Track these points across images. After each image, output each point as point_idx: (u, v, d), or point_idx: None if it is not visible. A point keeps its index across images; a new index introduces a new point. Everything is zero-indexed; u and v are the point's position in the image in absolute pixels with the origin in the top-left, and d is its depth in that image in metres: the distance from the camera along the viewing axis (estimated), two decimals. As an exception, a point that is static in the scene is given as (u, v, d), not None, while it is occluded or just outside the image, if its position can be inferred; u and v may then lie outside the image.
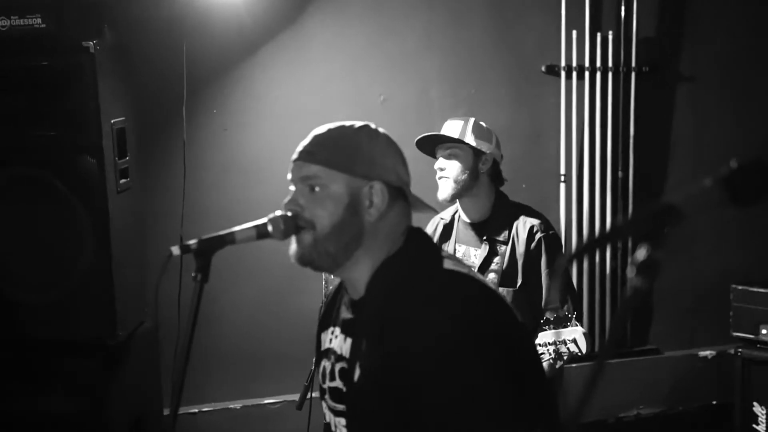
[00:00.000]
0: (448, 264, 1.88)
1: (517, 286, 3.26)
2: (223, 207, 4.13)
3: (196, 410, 4.22)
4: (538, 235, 3.26)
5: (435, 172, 3.36)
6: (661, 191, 4.65)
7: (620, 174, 4.57)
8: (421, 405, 1.74)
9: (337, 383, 1.94)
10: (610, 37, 4.52)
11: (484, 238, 3.34)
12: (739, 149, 4.60)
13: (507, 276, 3.28)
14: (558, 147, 4.49)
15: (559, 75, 4.49)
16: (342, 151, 1.90)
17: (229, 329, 4.22)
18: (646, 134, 4.61)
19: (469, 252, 3.40)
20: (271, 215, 1.90)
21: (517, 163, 3.83)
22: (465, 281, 1.86)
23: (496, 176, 3.41)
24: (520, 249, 3.27)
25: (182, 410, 4.58)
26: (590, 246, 3.13)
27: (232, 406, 4.29)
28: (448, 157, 3.35)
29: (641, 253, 1.82)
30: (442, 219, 3.52)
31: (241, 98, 4.16)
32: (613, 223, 4.21)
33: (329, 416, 1.99)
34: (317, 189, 1.88)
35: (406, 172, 1.96)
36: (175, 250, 1.83)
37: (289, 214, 1.88)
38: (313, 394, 3.17)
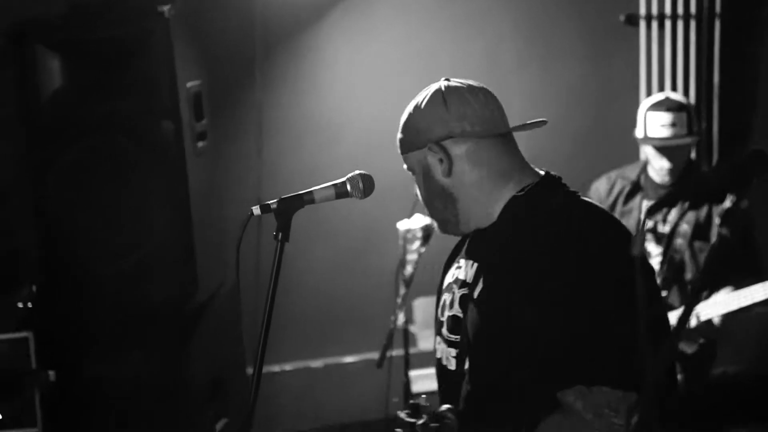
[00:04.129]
0: (584, 198, 2.02)
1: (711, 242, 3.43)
2: (299, 168, 4.15)
3: (278, 369, 4.28)
4: (729, 203, 3.36)
5: None
6: (747, 143, 4.51)
7: (704, 125, 4.45)
8: (522, 326, 1.85)
9: (456, 310, 2.01)
10: (693, -18, 4.38)
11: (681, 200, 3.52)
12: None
13: (700, 230, 3.47)
14: (638, 100, 4.38)
15: (638, 25, 4.37)
16: (403, 133, 2.04)
17: (308, 290, 4.26)
18: (731, 84, 4.47)
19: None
20: (349, 174, 1.93)
21: (594, 119, 3.75)
22: (598, 216, 1.99)
23: None
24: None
25: (264, 369, 4.65)
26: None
27: (312, 365, 4.34)
28: (680, 154, 3.53)
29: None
30: (622, 179, 3.69)
31: (313, 61, 4.16)
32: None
33: (441, 349, 2.05)
34: (413, 174, 2.07)
35: (477, 116, 1.98)
36: (256, 209, 1.87)
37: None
38: (393, 353, 3.18)
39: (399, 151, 2.06)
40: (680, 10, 4.36)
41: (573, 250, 1.85)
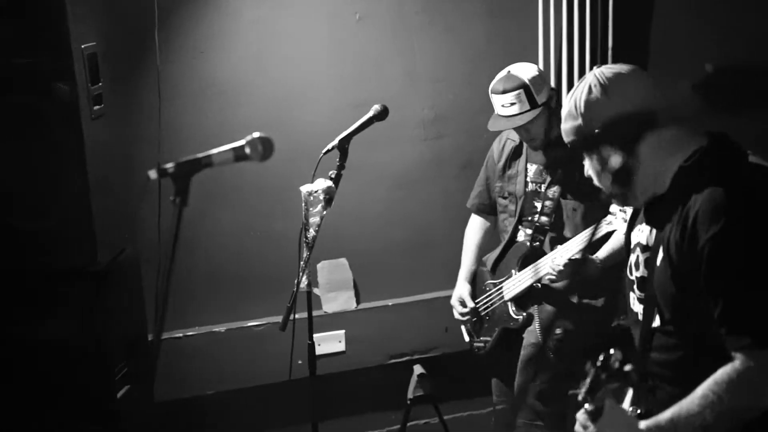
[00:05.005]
0: (752, 159, 2.14)
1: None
2: (200, 131, 4.10)
3: (180, 335, 4.24)
4: None
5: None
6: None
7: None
8: (704, 284, 2.05)
9: (642, 272, 2.26)
10: (587, -55, 4.43)
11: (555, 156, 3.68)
12: (722, 56, 4.56)
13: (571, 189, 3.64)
14: (536, 61, 4.44)
15: (536, -13, 4.43)
16: (571, 122, 2.25)
17: (211, 253, 4.23)
18: (625, 47, 4.56)
19: (539, 168, 3.75)
20: (249, 137, 1.91)
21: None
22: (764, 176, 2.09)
23: (558, 98, 3.73)
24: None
25: (166, 335, 4.64)
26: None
27: (216, 329, 4.32)
28: (530, 126, 3.60)
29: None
30: (511, 140, 3.84)
31: (214, 20, 4.08)
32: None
33: (636, 306, 2.31)
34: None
35: (640, 97, 2.16)
36: (153, 174, 1.85)
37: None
38: (296, 316, 3.20)
39: (566, 140, 2.25)
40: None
41: (738, 215, 2.01)
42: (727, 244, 2.01)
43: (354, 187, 3.96)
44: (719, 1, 4.72)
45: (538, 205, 3.72)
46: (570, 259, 3.50)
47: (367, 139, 3.40)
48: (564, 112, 2.26)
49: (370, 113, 3.30)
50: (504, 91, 3.56)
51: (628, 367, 1.89)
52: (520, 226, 3.79)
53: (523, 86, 3.54)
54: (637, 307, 2.31)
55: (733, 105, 4.22)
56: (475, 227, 4.11)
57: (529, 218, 3.75)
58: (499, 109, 3.62)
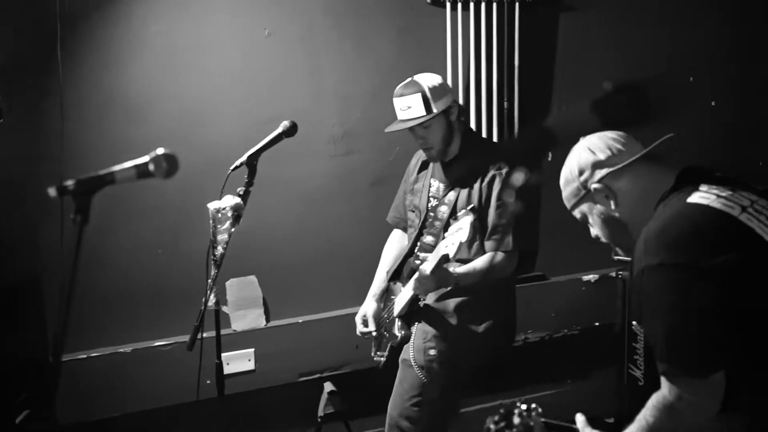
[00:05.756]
0: (693, 197, 2.26)
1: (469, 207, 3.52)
2: (105, 146, 4.01)
3: (84, 356, 4.13)
4: (493, 172, 3.59)
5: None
6: (545, 119, 4.72)
7: (506, 104, 4.62)
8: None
9: None
10: (494, -33, 4.52)
11: (452, 173, 3.73)
12: (623, 75, 4.70)
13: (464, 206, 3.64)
14: (444, 79, 4.49)
15: (444, 6, 4.48)
16: (570, 189, 2.50)
17: (116, 272, 4.13)
18: (531, 64, 4.66)
19: (439, 186, 3.78)
20: (152, 153, 1.86)
21: (404, 95, 3.83)
22: (695, 212, 2.22)
23: (461, 114, 3.75)
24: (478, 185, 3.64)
25: (70, 356, 4.50)
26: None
27: (121, 349, 4.22)
28: (425, 132, 3.66)
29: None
30: (423, 156, 3.92)
31: (120, 34, 4.01)
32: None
33: None
34: (588, 220, 2.53)
35: (619, 150, 2.40)
36: (52, 191, 1.78)
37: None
38: (204, 335, 3.15)
39: (569, 206, 2.49)
40: (482, -8, 4.51)
41: (650, 259, 2.19)
42: (644, 286, 2.21)
43: (263, 204, 3.93)
44: (619, 22, 4.87)
45: (432, 222, 3.76)
46: (422, 274, 3.47)
47: (275, 156, 3.38)
48: (561, 182, 2.49)
49: (279, 129, 3.29)
50: (402, 95, 3.63)
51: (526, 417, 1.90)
52: (419, 242, 3.82)
53: (420, 91, 3.59)
54: None
55: (628, 120, 4.37)
56: (393, 242, 4.12)
57: (427, 235, 3.78)
58: (398, 113, 3.68)
